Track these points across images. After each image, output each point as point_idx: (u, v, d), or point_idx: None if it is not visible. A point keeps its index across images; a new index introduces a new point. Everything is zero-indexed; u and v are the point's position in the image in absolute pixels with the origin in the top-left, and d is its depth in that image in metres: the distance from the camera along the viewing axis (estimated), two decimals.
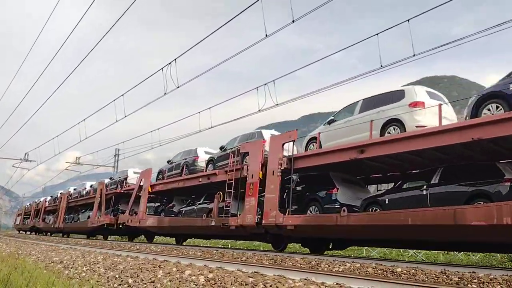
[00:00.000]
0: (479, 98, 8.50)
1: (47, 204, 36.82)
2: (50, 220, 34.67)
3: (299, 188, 12.04)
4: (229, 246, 22.38)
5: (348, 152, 10.38)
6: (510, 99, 7.86)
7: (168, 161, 19.66)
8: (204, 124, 16.34)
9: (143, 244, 19.47)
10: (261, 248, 20.43)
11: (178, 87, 13.84)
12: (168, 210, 19.00)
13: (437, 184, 8.94)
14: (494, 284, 5.31)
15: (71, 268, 8.26)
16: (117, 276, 6.72)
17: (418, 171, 10.68)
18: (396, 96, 10.22)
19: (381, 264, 7.41)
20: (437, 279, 5.81)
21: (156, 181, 19.80)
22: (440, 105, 9.29)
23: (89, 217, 25.80)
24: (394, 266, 7.08)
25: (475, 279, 5.60)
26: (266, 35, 11.17)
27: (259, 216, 12.34)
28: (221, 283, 5.26)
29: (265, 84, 12.94)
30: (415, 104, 9.58)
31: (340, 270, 7.02)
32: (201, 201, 16.51)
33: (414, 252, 18.49)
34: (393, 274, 6.44)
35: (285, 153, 12.30)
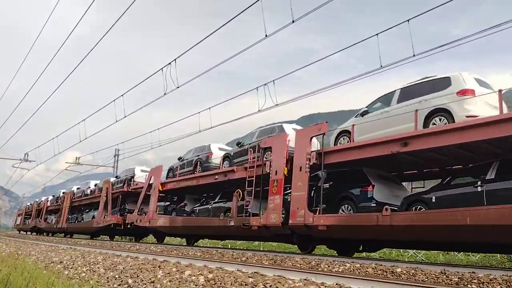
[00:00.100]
0: None
1: (49, 203, 35.98)
2: (52, 220, 34.03)
3: (326, 185, 11.16)
4: (229, 247, 22.36)
5: (389, 145, 9.50)
6: None
7: (179, 158, 18.83)
8: (204, 124, 16.32)
9: (142, 244, 19.45)
10: (261, 249, 20.44)
11: (178, 87, 13.87)
12: (180, 210, 18.25)
13: (494, 180, 8.07)
14: (494, 285, 5.31)
15: (71, 268, 8.26)
16: (117, 276, 6.72)
17: (461, 166, 10.06)
18: (440, 84, 9.37)
19: (381, 264, 7.41)
20: (437, 279, 5.81)
21: (167, 179, 19.02)
22: (500, 91, 8.50)
23: (94, 217, 25.15)
24: (394, 266, 7.08)
25: (475, 279, 5.60)
26: (266, 35, 11.19)
27: (283, 215, 11.65)
28: (221, 284, 5.27)
29: (265, 85, 12.97)
30: (464, 92, 8.81)
31: (340, 270, 7.02)
32: (216, 200, 15.80)
33: (414, 252, 18.49)
34: (393, 274, 6.44)
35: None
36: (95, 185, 28.33)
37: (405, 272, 6.44)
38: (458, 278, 5.74)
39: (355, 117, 11.15)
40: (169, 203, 20.00)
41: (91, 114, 21.56)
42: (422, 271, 6.38)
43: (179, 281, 5.65)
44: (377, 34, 10.32)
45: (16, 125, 31.81)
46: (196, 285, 5.36)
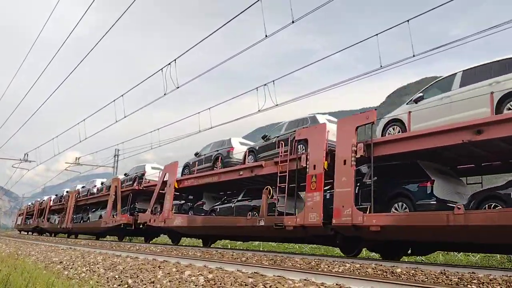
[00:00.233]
0: None
1: (52, 203, 35.03)
2: (55, 220, 33.15)
3: (369, 181, 10.13)
4: (229, 247, 22.37)
5: (458, 134, 8.37)
6: None
7: (196, 154, 17.71)
8: (204, 124, 16.31)
9: (142, 244, 19.45)
10: (261, 249, 20.45)
11: (178, 87, 13.87)
12: (198, 209, 17.10)
13: None
14: (494, 285, 5.31)
15: (70, 268, 8.26)
16: (116, 276, 6.72)
17: None
18: None
19: (381, 265, 7.41)
20: (437, 280, 5.81)
21: (182, 176, 17.79)
22: None
23: (101, 216, 24.27)
24: (393, 266, 7.08)
25: (474, 279, 5.60)
26: (266, 36, 11.19)
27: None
28: (220, 284, 5.27)
29: (265, 85, 12.97)
30: None
31: (340, 270, 7.02)
32: (240, 198, 14.70)
33: None
34: (392, 274, 6.44)
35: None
36: (102, 183, 27.49)
37: (405, 272, 6.44)
38: (458, 278, 5.75)
39: (407, 104, 9.99)
40: (184, 201, 18.90)
41: (91, 114, 21.63)
42: (422, 271, 6.38)
43: (179, 281, 5.65)
44: (376, 35, 10.33)
45: (16, 125, 31.86)
46: (196, 285, 5.36)
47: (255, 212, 13.08)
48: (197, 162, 17.18)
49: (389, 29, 10.33)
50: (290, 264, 8.36)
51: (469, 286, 5.35)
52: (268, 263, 8.67)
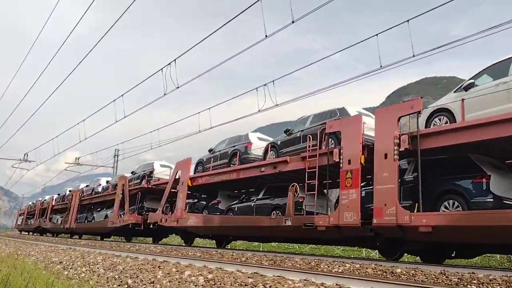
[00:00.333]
0: None
1: (54, 202, 33.99)
2: (57, 220, 32.48)
3: (409, 177, 9.44)
4: (229, 247, 22.38)
5: None
6: None
7: (210, 150, 16.89)
8: (204, 124, 16.29)
9: (142, 244, 19.45)
10: (261, 249, 20.46)
11: (178, 87, 13.87)
12: (213, 208, 16.21)
13: None
14: (493, 285, 5.31)
15: (70, 268, 8.25)
16: (116, 276, 6.72)
17: None
18: None
19: (381, 265, 7.42)
20: (437, 280, 5.82)
21: (195, 173, 16.99)
22: None
23: (107, 216, 23.55)
24: (393, 266, 7.08)
25: (474, 279, 5.60)
26: (266, 36, 11.20)
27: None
28: (220, 284, 5.27)
29: (265, 85, 12.97)
30: None
31: (340, 270, 7.02)
32: (260, 196, 13.86)
33: None
34: (392, 274, 6.44)
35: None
36: (107, 182, 26.74)
37: (404, 272, 6.44)
38: (458, 278, 5.75)
39: (455, 92, 9.21)
40: (196, 200, 17.88)
41: (91, 115, 21.57)
42: (421, 271, 6.38)
43: (179, 282, 5.65)
44: (376, 35, 10.34)
45: (16, 125, 31.85)
46: (195, 286, 5.36)
47: (278, 211, 12.35)
48: (212, 159, 16.31)
49: (389, 29, 10.33)
50: (290, 264, 8.36)
51: (469, 286, 5.35)
52: (268, 263, 8.67)
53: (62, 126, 36.24)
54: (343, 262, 8.25)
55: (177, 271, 6.51)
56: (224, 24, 11.79)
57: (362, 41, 10.90)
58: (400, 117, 9.40)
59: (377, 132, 9.80)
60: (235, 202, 15.18)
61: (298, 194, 11.65)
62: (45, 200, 37.24)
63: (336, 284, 4.95)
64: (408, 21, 9.72)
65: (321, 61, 12.23)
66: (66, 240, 25.22)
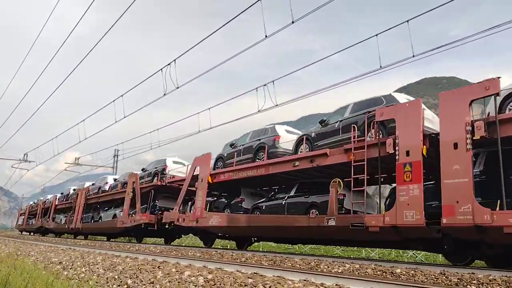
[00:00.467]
0: None
1: (57, 202, 32.83)
2: (61, 219, 31.36)
3: (476, 170, 8.43)
4: (228, 247, 22.38)
5: None
6: None
7: (231, 145, 15.81)
8: (204, 124, 16.33)
9: (142, 245, 19.44)
10: (260, 249, 20.45)
11: (178, 87, 13.89)
12: (236, 206, 14.97)
13: None
14: (493, 285, 5.32)
15: (70, 268, 8.25)
16: (116, 277, 6.71)
17: None
18: None
19: (381, 265, 7.43)
20: (437, 280, 5.82)
21: (214, 169, 15.82)
22: None
23: (115, 215, 22.51)
24: (393, 267, 7.09)
25: (474, 280, 5.61)
26: (266, 36, 11.20)
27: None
28: (220, 284, 5.26)
29: (265, 85, 12.99)
30: None
31: (340, 271, 7.02)
32: (292, 194, 12.68)
33: (413, 253, 18.49)
34: (392, 275, 6.44)
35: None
36: (115, 180, 25.49)
37: (404, 272, 6.45)
38: (458, 278, 5.75)
39: None
40: (215, 198, 16.54)
41: (91, 115, 21.66)
42: (421, 271, 6.38)
43: (179, 282, 5.65)
44: (376, 35, 10.35)
45: (16, 125, 31.87)
46: (195, 286, 5.36)
47: (315, 210, 11.34)
48: (235, 153, 15.15)
49: (389, 29, 10.36)
50: (290, 264, 8.36)
51: (468, 286, 5.35)
52: (268, 263, 8.67)
53: (62, 126, 36.31)
54: (343, 262, 8.25)
55: (176, 271, 6.51)
56: (224, 24, 11.81)
57: (362, 41, 10.92)
58: (472, 101, 8.33)
59: (442, 119, 8.68)
60: (262, 200, 14.07)
61: (340, 191, 10.63)
62: (48, 199, 36.36)
63: (336, 284, 4.95)
64: (408, 21, 9.74)
65: (321, 61, 12.25)
66: (66, 240, 25.18)
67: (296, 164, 11.94)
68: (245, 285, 5.07)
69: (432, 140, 8.93)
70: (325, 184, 11.11)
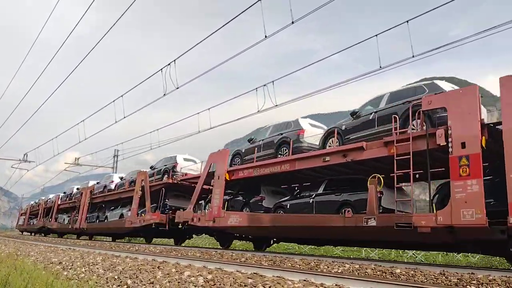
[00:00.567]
0: None
1: (60, 201, 32.09)
2: (64, 219, 30.66)
3: None
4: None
5: None
6: None
7: (250, 140, 15.02)
8: (204, 124, 16.34)
9: (142, 245, 19.43)
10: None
11: (178, 88, 13.90)
12: (256, 205, 14.03)
13: None
14: (493, 285, 5.32)
15: (70, 269, 8.25)
16: (116, 277, 6.71)
17: None
18: None
19: (380, 265, 7.43)
20: (436, 280, 5.82)
21: (230, 166, 14.93)
22: None
23: (122, 215, 21.73)
24: (393, 267, 7.09)
25: (474, 280, 5.61)
26: (266, 36, 11.21)
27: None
28: (220, 284, 5.27)
29: (264, 85, 13.00)
30: None
31: (339, 271, 7.02)
32: (320, 191, 11.78)
33: (413, 253, 18.49)
34: (392, 275, 6.45)
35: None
36: (121, 178, 24.68)
37: (404, 273, 6.45)
38: (458, 279, 5.75)
39: None
40: (231, 196, 15.49)
41: (91, 115, 21.67)
42: (421, 272, 6.39)
43: (178, 282, 5.65)
44: (376, 35, 10.35)
45: (16, 125, 31.88)
46: (195, 286, 5.36)
47: (347, 209, 10.44)
48: (256, 149, 14.25)
49: (389, 29, 10.37)
50: (290, 264, 8.36)
51: (468, 286, 5.36)
52: (268, 263, 8.67)
53: (62, 126, 36.30)
54: (343, 262, 8.25)
55: (176, 271, 6.51)
56: (224, 24, 11.83)
57: (362, 42, 10.92)
58: None
59: (506, 106, 7.86)
60: (286, 198, 13.17)
61: (380, 188, 9.77)
62: (50, 198, 35.70)
63: (336, 285, 4.96)
64: (407, 21, 9.75)
65: (321, 61, 12.25)
66: (66, 240, 25.16)
67: (326, 159, 11.06)
68: (245, 285, 5.07)
69: (491, 130, 8.19)
70: (357, 181, 10.53)
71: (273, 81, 12.98)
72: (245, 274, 6.01)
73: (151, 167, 21.15)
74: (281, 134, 13.55)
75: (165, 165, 19.79)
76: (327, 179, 11.92)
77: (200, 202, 16.62)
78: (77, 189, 30.13)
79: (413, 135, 9.14)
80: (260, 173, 13.34)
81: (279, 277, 5.61)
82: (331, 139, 11.73)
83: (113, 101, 17.82)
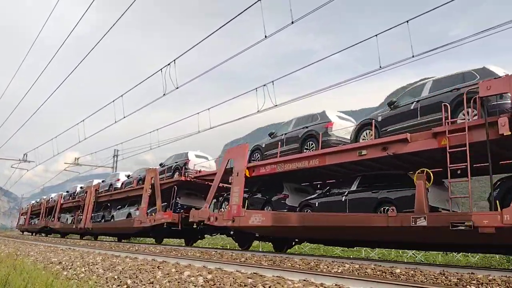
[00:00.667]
0: None
1: (63, 200, 31.35)
2: (67, 219, 29.86)
3: None
4: (228, 247, 22.36)
5: None
6: None
7: (271, 134, 14.19)
8: (204, 124, 16.36)
9: (141, 244, 19.42)
10: (260, 249, 20.46)
11: (178, 87, 13.90)
12: (279, 203, 13.19)
13: None
14: (493, 285, 5.32)
15: (69, 269, 8.24)
16: (116, 277, 6.71)
17: None
18: None
19: (380, 265, 7.43)
20: (436, 280, 5.82)
21: (249, 162, 14.02)
22: None
23: (130, 214, 21.00)
24: (393, 267, 7.09)
25: (474, 280, 5.61)
26: (266, 36, 11.21)
27: None
28: (220, 284, 5.26)
29: (264, 85, 13.00)
30: None
31: (339, 271, 7.02)
32: (354, 188, 10.86)
33: (413, 253, 18.50)
34: (392, 275, 6.45)
35: None
36: (128, 176, 23.87)
37: (404, 272, 6.45)
38: (457, 279, 5.75)
39: None
40: (250, 194, 14.58)
41: (91, 115, 21.69)
42: (421, 271, 6.39)
43: (178, 282, 5.64)
44: (376, 35, 10.35)
45: (16, 125, 31.88)
46: (195, 286, 5.36)
47: (390, 207, 9.41)
48: (279, 143, 13.40)
49: (389, 29, 10.36)
50: (289, 264, 8.36)
51: (468, 286, 5.35)
52: (267, 263, 8.67)
53: (62, 126, 36.32)
54: (343, 262, 8.25)
55: (176, 271, 6.51)
56: (224, 24, 11.82)
57: (362, 41, 10.91)
58: None
59: None
60: (313, 196, 12.27)
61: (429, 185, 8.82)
62: (52, 198, 35.00)
63: (336, 285, 4.95)
64: (407, 21, 9.74)
65: (320, 61, 12.24)
66: (66, 240, 25.14)
67: (363, 153, 10.14)
68: (245, 285, 5.07)
69: None
70: (396, 176, 9.88)
71: (273, 81, 12.99)
72: (245, 274, 6.01)
73: (160, 164, 20.43)
74: (307, 127, 12.69)
75: (176, 162, 19.00)
76: (360, 175, 11.01)
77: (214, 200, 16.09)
78: (81, 188, 29.45)
79: (469, 124, 8.19)
80: (284, 169, 12.42)
81: (279, 277, 5.61)
82: (365, 132, 10.84)
83: (113, 101, 17.86)
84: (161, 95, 14.33)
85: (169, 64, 13.70)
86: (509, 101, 8.06)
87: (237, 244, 16.27)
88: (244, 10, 10.81)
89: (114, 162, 39.09)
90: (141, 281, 6.12)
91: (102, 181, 26.84)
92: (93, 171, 42.92)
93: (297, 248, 21.69)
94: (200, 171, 17.37)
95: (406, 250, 18.11)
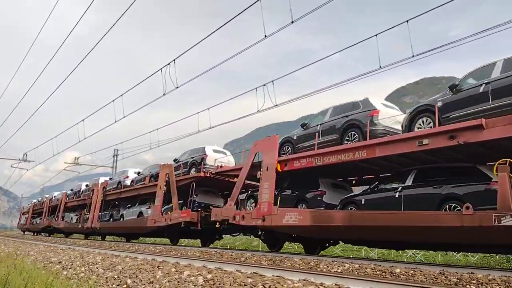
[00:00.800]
0: None
1: (67, 199, 30.33)
2: (71, 218, 29.11)
3: None
4: (228, 247, 22.37)
5: None
6: None
7: (303, 125, 12.88)
8: (203, 124, 16.36)
9: (141, 244, 19.41)
10: (260, 249, 20.45)
11: (177, 87, 13.90)
12: (315, 200, 11.97)
13: None
14: (492, 285, 5.32)
15: (69, 268, 8.24)
16: (115, 276, 6.71)
17: None
18: None
19: (380, 265, 7.43)
20: (436, 280, 5.82)
21: (279, 156, 12.71)
22: None
23: (141, 213, 19.95)
24: (393, 266, 7.09)
25: (473, 279, 5.61)
26: (265, 36, 11.21)
27: None
28: (220, 284, 5.26)
29: (264, 85, 13.01)
30: None
31: (339, 270, 7.02)
32: (409, 183, 9.53)
33: (412, 253, 18.49)
34: (392, 274, 6.45)
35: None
36: (138, 173, 22.55)
37: (404, 272, 6.45)
38: (457, 278, 5.75)
39: None
40: (278, 190, 13.29)
41: (90, 114, 21.69)
42: (421, 271, 6.39)
43: (178, 282, 5.64)
44: (376, 35, 10.35)
45: (16, 125, 31.87)
46: (195, 286, 5.36)
47: (455, 205, 8.36)
48: (315, 135, 12.15)
49: (389, 29, 10.36)
50: (289, 264, 8.36)
51: (468, 286, 5.35)
52: (267, 263, 8.67)
53: (62, 126, 36.30)
54: (342, 262, 8.25)
55: (176, 271, 6.51)
56: (224, 24, 11.81)
57: (362, 41, 10.91)
58: None
59: None
60: (358, 192, 11.25)
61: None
62: (55, 196, 34.17)
63: (336, 284, 4.95)
64: (407, 21, 9.75)
65: (320, 61, 12.23)
66: (65, 240, 25.12)
67: (424, 143, 8.89)
68: (245, 285, 5.07)
69: None
70: (461, 169, 8.85)
71: (272, 81, 12.99)
72: (245, 273, 6.01)
73: (174, 160, 19.15)
74: (347, 116, 11.49)
75: (192, 157, 17.82)
76: (416, 169, 9.73)
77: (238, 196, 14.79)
78: (86, 185, 28.58)
79: None
80: (323, 163, 11.18)
81: (278, 276, 5.61)
82: (421, 120, 9.57)
83: (113, 100, 17.83)
84: (161, 95, 14.31)
85: (169, 64, 13.70)
86: None
87: (266, 245, 14.93)
88: (244, 10, 10.81)
89: (114, 161, 39.11)
90: (141, 280, 6.12)
91: (110, 179, 25.83)
92: (93, 171, 42.95)
93: (296, 248, 21.70)
94: (221, 166, 16.28)
95: (406, 250, 18.11)
